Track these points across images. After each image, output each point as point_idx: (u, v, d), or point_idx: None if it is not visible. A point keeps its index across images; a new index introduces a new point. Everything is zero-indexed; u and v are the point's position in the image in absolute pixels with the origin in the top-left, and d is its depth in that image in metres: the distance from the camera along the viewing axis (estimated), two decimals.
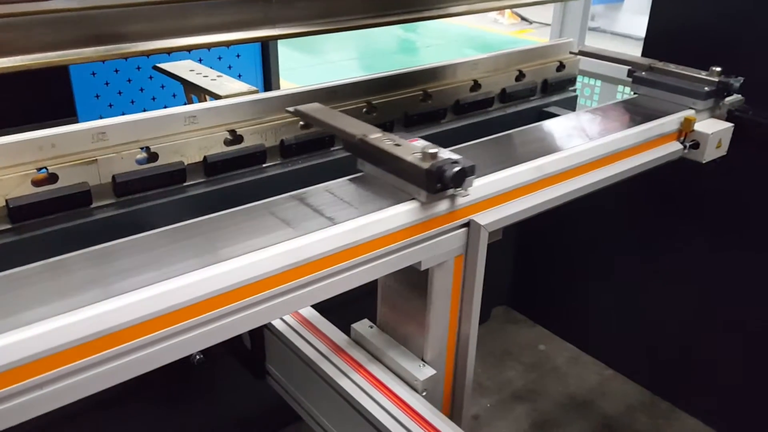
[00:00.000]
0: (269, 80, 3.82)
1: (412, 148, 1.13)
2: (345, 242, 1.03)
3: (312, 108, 1.39)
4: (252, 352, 1.51)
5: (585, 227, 2.43)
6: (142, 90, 3.24)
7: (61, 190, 1.39)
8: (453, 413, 1.39)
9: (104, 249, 1.02)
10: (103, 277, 0.93)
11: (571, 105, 2.30)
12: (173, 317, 0.90)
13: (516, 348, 2.70)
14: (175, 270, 0.93)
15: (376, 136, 1.18)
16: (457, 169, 1.07)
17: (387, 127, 1.90)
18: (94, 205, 1.43)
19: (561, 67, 2.27)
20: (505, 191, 1.24)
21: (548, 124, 1.64)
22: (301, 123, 1.70)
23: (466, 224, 1.21)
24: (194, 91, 2.25)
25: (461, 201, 1.16)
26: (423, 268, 1.18)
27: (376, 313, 1.42)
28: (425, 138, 1.83)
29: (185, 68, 2.42)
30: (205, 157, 1.57)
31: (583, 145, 1.44)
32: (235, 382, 1.77)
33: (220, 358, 1.49)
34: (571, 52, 2.20)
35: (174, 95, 3.30)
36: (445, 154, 1.11)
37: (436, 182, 1.07)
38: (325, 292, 1.06)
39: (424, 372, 1.28)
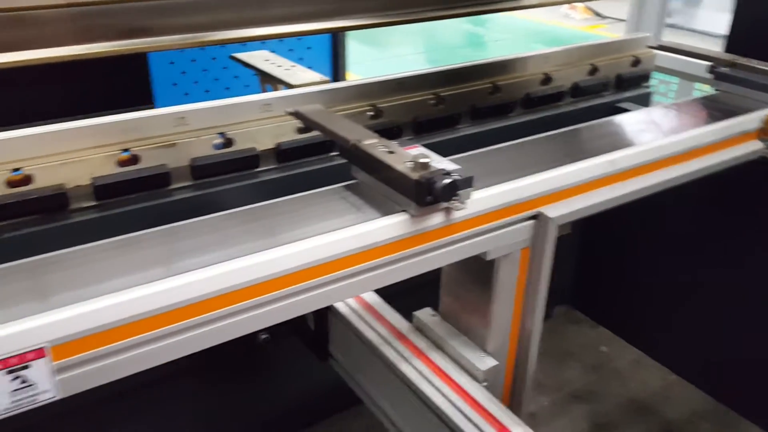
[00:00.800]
0: (337, 72, 3.87)
1: (405, 156, 1.07)
2: (411, 229, 1.04)
3: (311, 110, 1.39)
4: (316, 334, 1.55)
5: (654, 226, 2.36)
6: (216, 80, 3.34)
7: (143, 171, 1.46)
8: (512, 407, 1.38)
9: (182, 226, 1.07)
10: (173, 254, 0.98)
11: (644, 101, 2.24)
12: (239, 295, 0.94)
13: (577, 348, 2.66)
14: (244, 249, 0.97)
15: (370, 142, 1.13)
16: (447, 181, 1.01)
17: (454, 119, 1.90)
18: (172, 186, 1.50)
19: (636, 62, 2.21)
20: (576, 184, 1.22)
21: (622, 119, 1.61)
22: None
23: (535, 216, 1.20)
24: (268, 81, 2.31)
25: (461, 214, 1.09)
26: (489, 258, 1.18)
27: (438, 302, 1.43)
28: (493, 132, 1.85)
29: (260, 58, 2.49)
30: (277, 144, 1.62)
31: (659, 140, 1.41)
32: (298, 363, 1.81)
33: (284, 338, 1.53)
34: (648, 47, 2.14)
35: (247, 86, 3.39)
36: (440, 164, 1.06)
37: (426, 194, 1.01)
38: (388, 277, 1.08)
39: (485, 362, 1.29)
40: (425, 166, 1.02)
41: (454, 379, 1.27)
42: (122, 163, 1.54)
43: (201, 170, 1.50)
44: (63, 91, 2.71)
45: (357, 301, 1.49)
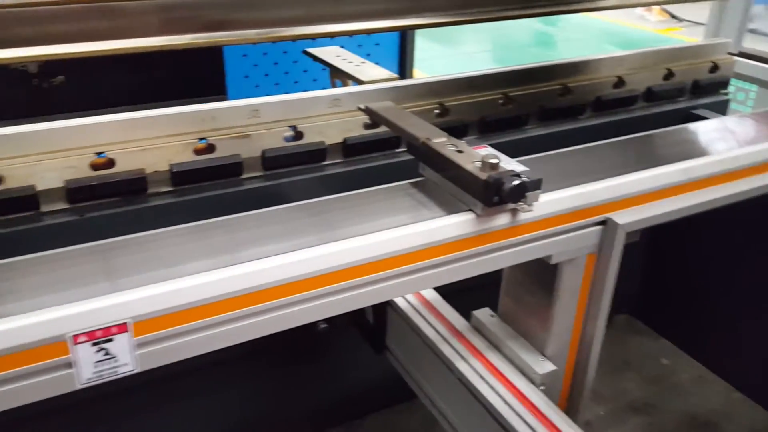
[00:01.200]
0: (404, 69, 3.88)
1: (474, 155, 1.07)
2: (475, 228, 1.05)
3: (381, 106, 1.39)
4: (374, 327, 1.57)
5: (726, 238, 2.28)
6: (286, 73, 3.41)
7: (217, 159, 1.52)
8: (569, 413, 1.37)
9: (250, 216, 1.11)
10: (241, 242, 1.02)
11: (721, 109, 2.17)
12: (302, 285, 0.97)
13: (637, 359, 2.59)
14: (309, 242, 1.00)
15: (439, 141, 1.14)
16: (516, 182, 1.01)
17: (522, 120, 1.89)
18: (244, 175, 1.55)
19: (714, 68, 2.14)
20: (647, 192, 1.20)
21: (698, 126, 1.56)
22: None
23: (603, 222, 1.19)
24: (338, 76, 2.35)
25: (527, 216, 1.09)
26: (553, 262, 1.17)
27: (497, 303, 1.43)
28: (562, 134, 1.83)
29: (332, 53, 2.53)
30: (345, 139, 1.65)
31: (735, 150, 1.36)
32: (356, 353, 1.84)
33: (344, 329, 1.57)
34: (729, 53, 2.06)
35: (315, 80, 3.45)
36: (509, 165, 1.06)
37: (494, 195, 1.02)
38: (450, 276, 1.09)
39: (543, 366, 1.28)
40: (494, 166, 1.03)
41: (511, 381, 1.27)
42: (198, 152, 1.61)
43: (271, 161, 1.55)
44: (143, 78, 2.83)
45: (416, 297, 1.50)
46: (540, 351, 1.31)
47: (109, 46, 1.37)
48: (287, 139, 1.71)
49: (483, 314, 1.43)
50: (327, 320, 1.71)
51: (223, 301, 0.91)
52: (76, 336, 0.79)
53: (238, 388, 1.86)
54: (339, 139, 1.66)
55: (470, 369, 1.31)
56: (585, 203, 1.14)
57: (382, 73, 2.14)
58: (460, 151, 1.09)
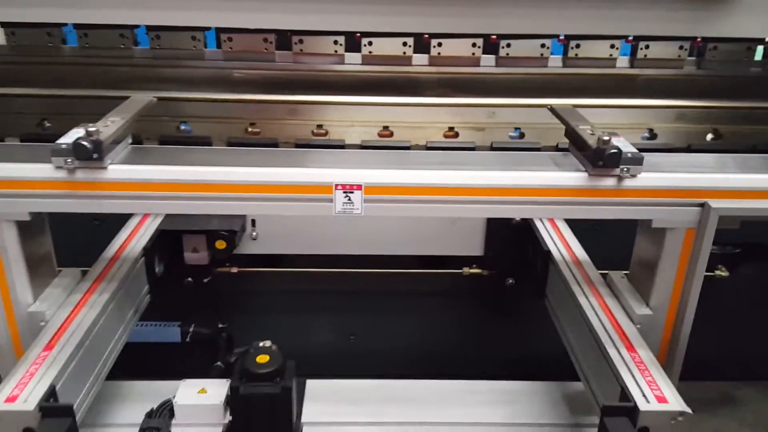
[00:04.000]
0: None
1: (597, 134, 1.52)
2: (584, 183, 1.54)
3: (562, 108, 1.85)
4: (539, 278, 2.08)
5: None
6: None
7: (461, 142, 2.25)
8: (667, 361, 1.72)
9: (469, 155, 1.77)
10: (458, 163, 1.68)
11: None
12: (476, 191, 1.57)
13: None
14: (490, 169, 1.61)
15: (582, 127, 1.63)
16: (613, 151, 1.45)
17: None
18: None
19: None
20: (740, 189, 1.54)
21: None
22: None
23: (702, 204, 1.56)
24: None
25: (630, 183, 1.52)
26: (654, 226, 1.59)
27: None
28: None
29: None
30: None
31: None
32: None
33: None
34: None
35: None
36: (619, 143, 1.48)
37: (598, 159, 1.48)
38: (569, 213, 1.61)
39: (642, 310, 1.69)
40: (605, 141, 1.52)
41: (615, 316, 1.70)
42: (447, 136, 2.37)
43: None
44: None
45: (570, 256, 1.99)
46: (645, 302, 1.71)
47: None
48: (512, 137, 2.36)
49: (615, 275, 1.86)
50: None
51: (425, 188, 1.55)
52: (337, 185, 1.54)
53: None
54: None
55: (589, 306, 1.76)
56: (683, 186, 1.54)
57: None
58: (592, 134, 1.60)
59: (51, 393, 1.40)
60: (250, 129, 2.36)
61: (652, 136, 2.41)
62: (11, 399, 1.36)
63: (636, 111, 2.41)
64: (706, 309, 2.44)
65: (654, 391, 1.45)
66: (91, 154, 1.44)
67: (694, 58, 2.38)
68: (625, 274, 1.86)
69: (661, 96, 2.34)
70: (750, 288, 2.49)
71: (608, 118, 2.39)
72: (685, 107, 2.37)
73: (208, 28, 2.30)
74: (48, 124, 2.32)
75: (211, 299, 2.39)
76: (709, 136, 2.39)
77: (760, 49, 2.36)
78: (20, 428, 1.35)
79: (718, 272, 2.39)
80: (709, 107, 2.35)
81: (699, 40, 2.34)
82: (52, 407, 1.37)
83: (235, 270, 2.34)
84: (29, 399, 1.36)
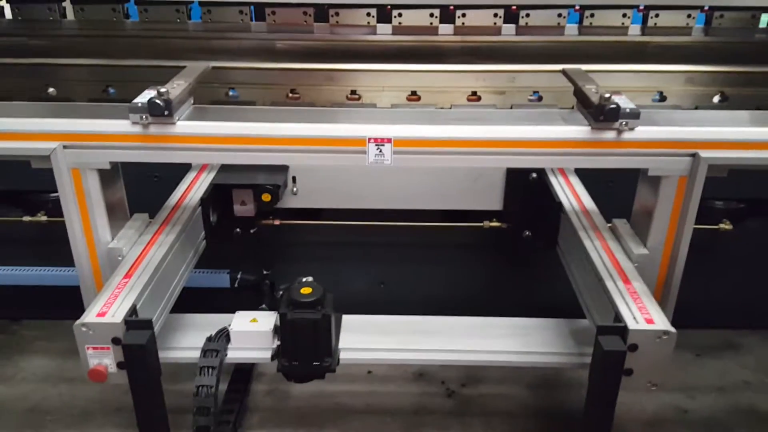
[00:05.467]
0: None
1: (600, 92, 1.71)
2: (587, 136, 1.75)
3: (573, 69, 2.04)
4: (549, 227, 2.30)
5: None
6: None
7: (484, 105, 2.47)
8: (663, 297, 1.94)
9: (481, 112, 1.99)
10: (472, 119, 1.90)
11: None
12: (496, 143, 1.81)
13: None
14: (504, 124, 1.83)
15: (588, 87, 1.83)
16: (612, 107, 1.66)
17: None
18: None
19: None
20: (734, 141, 1.73)
21: None
22: None
23: (693, 154, 1.76)
24: None
25: (628, 136, 1.72)
26: (650, 174, 1.79)
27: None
28: None
29: None
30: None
31: None
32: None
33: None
34: None
35: None
36: (620, 101, 1.69)
37: (599, 115, 1.68)
38: (575, 162, 1.92)
39: (639, 250, 1.91)
40: (607, 99, 1.72)
41: (615, 256, 1.92)
42: (469, 99, 2.57)
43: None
44: None
45: (580, 207, 2.20)
46: (643, 243, 1.92)
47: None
48: (531, 100, 2.57)
49: (619, 221, 2.08)
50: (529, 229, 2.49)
51: (447, 141, 1.78)
52: (370, 138, 1.78)
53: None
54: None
55: (593, 248, 1.98)
56: (675, 138, 1.74)
57: None
58: (596, 92, 1.81)
59: (133, 311, 1.68)
60: (290, 94, 2.61)
61: (662, 98, 2.59)
62: (101, 314, 1.65)
63: (647, 75, 2.59)
64: (712, 260, 2.65)
65: (644, 315, 1.67)
66: (163, 110, 1.70)
67: (701, 25, 2.54)
68: (627, 221, 2.08)
69: (671, 61, 2.51)
70: (754, 241, 2.67)
71: (621, 82, 2.57)
72: (693, 72, 2.54)
73: (253, 3, 2.54)
74: (112, 90, 2.60)
75: (256, 249, 2.66)
76: (716, 98, 2.56)
77: (764, 16, 2.51)
78: (109, 338, 1.64)
79: (722, 225, 2.57)
80: (716, 72, 2.52)
81: (706, 8, 2.50)
82: (135, 321, 1.65)
83: (277, 222, 2.59)
84: (116, 314, 1.65)
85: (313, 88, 2.60)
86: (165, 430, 1.77)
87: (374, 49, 2.53)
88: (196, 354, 1.89)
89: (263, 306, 2.65)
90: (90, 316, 1.64)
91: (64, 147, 1.75)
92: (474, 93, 2.61)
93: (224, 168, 2.34)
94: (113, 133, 1.76)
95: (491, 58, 2.55)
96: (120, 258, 1.91)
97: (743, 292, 2.74)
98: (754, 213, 2.64)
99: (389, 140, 1.79)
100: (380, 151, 1.80)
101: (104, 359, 1.65)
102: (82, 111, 1.89)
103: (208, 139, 1.77)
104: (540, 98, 2.60)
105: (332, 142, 1.79)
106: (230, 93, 2.62)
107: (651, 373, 1.68)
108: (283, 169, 2.37)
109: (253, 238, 2.51)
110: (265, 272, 2.72)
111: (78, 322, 1.63)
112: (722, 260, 2.66)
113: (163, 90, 1.72)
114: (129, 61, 2.52)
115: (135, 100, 1.74)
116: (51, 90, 2.61)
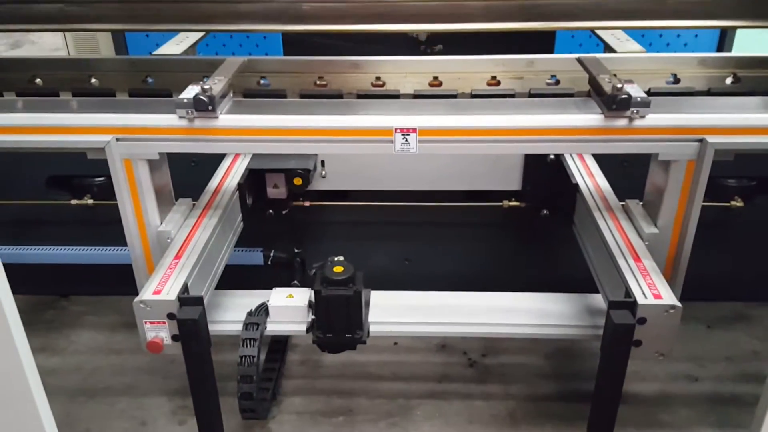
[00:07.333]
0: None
1: (614, 83, 1.81)
2: (600, 123, 1.87)
3: (589, 58, 2.16)
4: (567, 207, 2.43)
5: None
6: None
7: (501, 90, 2.57)
8: (672, 274, 2.07)
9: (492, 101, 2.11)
10: (489, 108, 2.02)
11: None
12: (510, 131, 1.93)
13: None
14: (519, 113, 1.95)
15: (602, 77, 1.93)
16: (623, 96, 1.77)
17: None
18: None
19: None
20: (739, 127, 1.84)
21: None
22: None
23: (700, 140, 1.87)
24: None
25: (639, 123, 1.83)
26: (660, 158, 1.91)
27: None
28: None
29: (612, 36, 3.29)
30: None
31: None
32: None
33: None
34: None
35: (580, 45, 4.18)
36: (632, 91, 1.79)
37: (612, 103, 1.79)
38: (590, 149, 2.03)
39: (650, 229, 2.03)
40: (619, 88, 1.84)
41: (627, 234, 2.05)
42: (489, 84, 2.69)
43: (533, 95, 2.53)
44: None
45: (595, 188, 2.32)
46: (654, 222, 2.05)
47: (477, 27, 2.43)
48: (548, 84, 2.67)
49: (632, 202, 2.20)
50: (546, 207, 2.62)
51: (468, 130, 1.91)
52: (396, 128, 1.92)
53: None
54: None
55: (606, 227, 2.11)
56: (684, 124, 1.85)
57: (635, 47, 2.89)
58: (609, 82, 1.92)
59: (185, 289, 1.86)
60: (318, 82, 2.74)
61: (676, 80, 2.68)
62: (157, 292, 1.83)
63: (662, 58, 2.68)
64: (724, 236, 2.76)
65: (652, 290, 1.81)
66: (207, 106, 1.85)
67: None
68: (640, 201, 2.20)
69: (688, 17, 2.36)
70: (764, 217, 2.77)
71: (637, 65, 2.66)
72: (705, 57, 2.62)
73: None
74: (150, 80, 2.75)
75: (288, 229, 2.83)
76: (729, 80, 2.64)
77: None
78: (165, 313, 1.82)
79: (734, 202, 2.67)
80: (728, 55, 2.60)
81: None
82: (187, 298, 1.83)
83: (307, 204, 2.75)
84: (170, 292, 1.83)
85: (340, 75, 2.73)
86: (214, 395, 1.96)
87: (398, 10, 2.35)
88: (239, 327, 2.06)
89: (295, 282, 2.83)
90: (147, 294, 1.82)
91: (117, 140, 1.92)
92: (494, 78, 2.72)
93: (257, 154, 2.49)
94: (162, 126, 1.92)
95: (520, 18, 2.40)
96: (169, 240, 2.08)
97: (755, 266, 2.85)
98: (765, 190, 2.73)
99: (414, 130, 1.92)
100: (406, 140, 1.94)
101: (160, 332, 1.84)
102: (131, 106, 2.05)
103: (247, 131, 1.92)
104: (557, 82, 2.70)
105: (361, 133, 1.93)
106: (261, 81, 2.76)
107: (658, 344, 1.83)
108: (313, 154, 2.52)
109: (285, 219, 2.68)
110: (296, 250, 2.88)
111: (137, 299, 1.81)
112: (734, 236, 2.77)
113: (206, 87, 1.87)
114: (157, 25, 2.39)
115: (181, 96, 1.89)
116: (94, 80, 2.77)
